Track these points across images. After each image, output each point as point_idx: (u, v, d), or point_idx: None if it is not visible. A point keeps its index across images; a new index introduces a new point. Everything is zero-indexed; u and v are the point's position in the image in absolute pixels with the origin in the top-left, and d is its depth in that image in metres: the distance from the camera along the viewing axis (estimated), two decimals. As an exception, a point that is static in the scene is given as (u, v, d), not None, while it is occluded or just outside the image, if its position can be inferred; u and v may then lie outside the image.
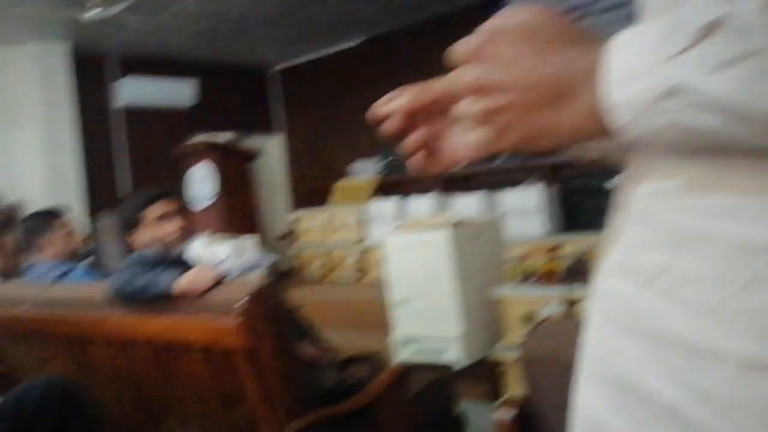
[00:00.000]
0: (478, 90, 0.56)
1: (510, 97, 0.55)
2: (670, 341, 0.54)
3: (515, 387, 3.51)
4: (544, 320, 1.14)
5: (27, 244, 3.23)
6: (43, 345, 2.60)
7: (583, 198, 5.41)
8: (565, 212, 5.19)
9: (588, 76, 0.52)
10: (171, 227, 2.60)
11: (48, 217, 3.21)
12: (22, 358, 2.78)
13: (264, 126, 8.20)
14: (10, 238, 3.57)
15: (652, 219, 0.57)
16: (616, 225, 0.63)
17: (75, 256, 3.20)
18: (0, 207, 6.05)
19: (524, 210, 4.91)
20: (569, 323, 1.05)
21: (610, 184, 4.53)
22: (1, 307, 2.76)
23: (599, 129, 0.53)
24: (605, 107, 0.51)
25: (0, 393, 2.02)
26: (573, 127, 0.55)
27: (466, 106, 0.57)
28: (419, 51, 6.59)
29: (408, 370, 2.29)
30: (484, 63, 0.55)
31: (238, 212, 5.89)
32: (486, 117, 0.56)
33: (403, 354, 3.77)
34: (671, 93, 0.48)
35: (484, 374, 3.69)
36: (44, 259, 3.13)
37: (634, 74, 0.50)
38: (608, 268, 0.62)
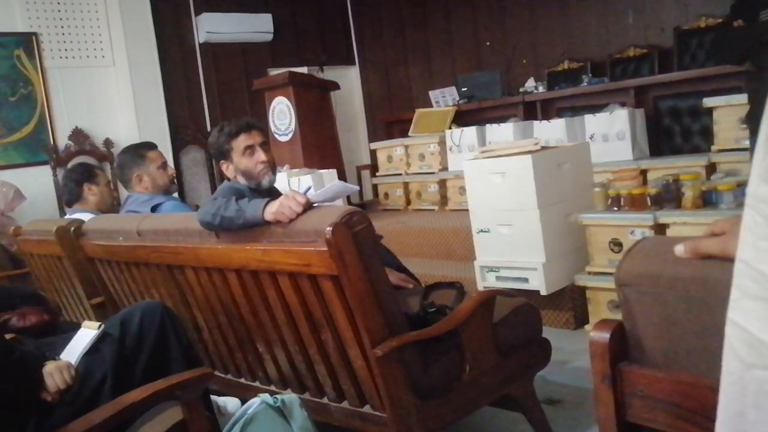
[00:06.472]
0: None
1: None
2: None
3: (600, 313, 3.47)
4: (640, 241, 1.11)
5: (121, 178, 3.35)
6: (140, 275, 2.71)
7: (672, 121, 5.18)
8: (653, 136, 4.98)
9: None
10: (259, 158, 2.64)
11: (140, 151, 3.29)
12: (120, 288, 2.92)
13: (341, 58, 8.16)
14: (104, 175, 3.71)
15: None
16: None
17: (167, 189, 3.29)
18: (91, 147, 6.30)
19: (610, 134, 4.74)
20: (666, 245, 1.02)
21: (708, 102, 4.32)
22: (99, 240, 2.88)
23: None
24: None
25: (101, 320, 2.13)
26: None
27: None
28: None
29: (493, 296, 2.28)
30: None
31: (317, 145, 5.92)
32: None
33: (486, 282, 3.77)
34: None
35: (568, 301, 3.67)
36: (138, 191, 3.24)
37: None
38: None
